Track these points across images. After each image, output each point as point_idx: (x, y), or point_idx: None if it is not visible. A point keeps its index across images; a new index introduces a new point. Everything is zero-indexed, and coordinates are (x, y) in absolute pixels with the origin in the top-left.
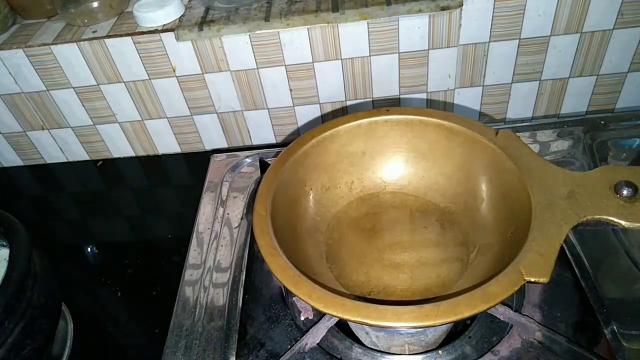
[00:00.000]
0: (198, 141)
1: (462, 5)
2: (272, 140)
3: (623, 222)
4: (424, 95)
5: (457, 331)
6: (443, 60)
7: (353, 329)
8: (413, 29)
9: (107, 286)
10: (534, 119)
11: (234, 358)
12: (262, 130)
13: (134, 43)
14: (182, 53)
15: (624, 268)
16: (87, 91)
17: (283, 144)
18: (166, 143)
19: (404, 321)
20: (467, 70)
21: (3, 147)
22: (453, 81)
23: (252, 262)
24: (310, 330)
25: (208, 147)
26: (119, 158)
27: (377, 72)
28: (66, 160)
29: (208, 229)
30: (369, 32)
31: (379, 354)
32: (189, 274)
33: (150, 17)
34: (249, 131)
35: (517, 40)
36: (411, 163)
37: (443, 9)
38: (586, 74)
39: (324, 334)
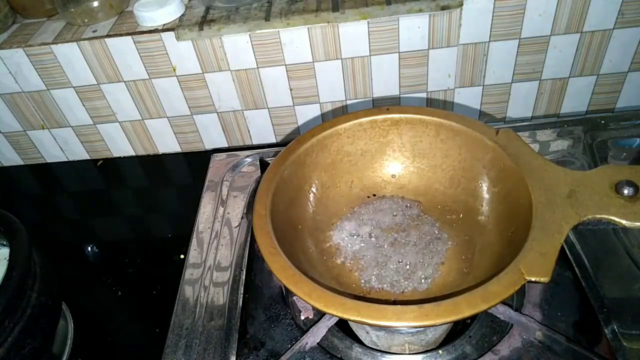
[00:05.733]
0: (198, 141)
1: (462, 4)
2: (272, 140)
3: (624, 222)
4: (424, 95)
5: (457, 330)
6: (443, 59)
7: (353, 329)
8: (413, 28)
9: (108, 285)
10: (534, 119)
11: (234, 357)
12: (262, 129)
13: (135, 42)
14: (182, 52)
15: (624, 267)
16: (88, 90)
17: (283, 144)
18: (166, 142)
19: (404, 320)
20: (467, 69)
21: (3, 146)
22: (453, 81)
23: (252, 261)
24: (311, 329)
25: (208, 147)
26: (119, 157)
27: (377, 72)
28: (66, 160)
29: (208, 228)
30: (369, 31)
31: (379, 354)
32: (189, 273)
33: (151, 16)
34: (249, 131)
35: (517, 40)
36: (411, 162)
37: (443, 8)
38: (586, 73)
39: (324, 333)
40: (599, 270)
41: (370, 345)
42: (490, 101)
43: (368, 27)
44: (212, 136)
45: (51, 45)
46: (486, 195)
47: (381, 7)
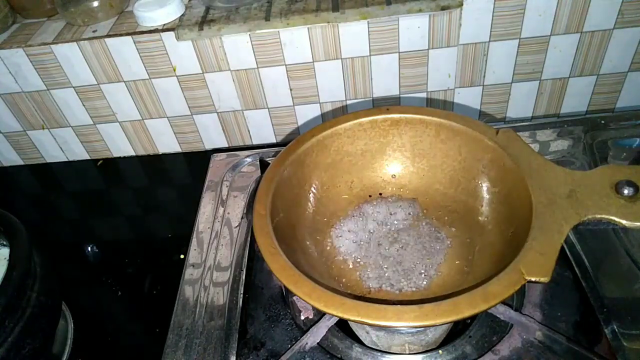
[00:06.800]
0: (198, 141)
1: (462, 4)
2: (272, 140)
3: (624, 222)
4: (424, 95)
5: (457, 330)
6: (443, 59)
7: (353, 329)
8: (413, 28)
9: (108, 285)
10: (534, 119)
11: (234, 357)
12: (262, 129)
13: (134, 42)
14: (182, 52)
15: (624, 267)
16: (88, 90)
17: (283, 144)
18: (166, 142)
19: (404, 320)
20: (467, 69)
21: (3, 146)
22: (453, 81)
23: (252, 261)
24: (311, 329)
25: (208, 147)
26: (119, 157)
27: (377, 72)
28: (66, 160)
29: (208, 228)
30: (369, 31)
31: (379, 354)
32: (189, 273)
33: (151, 16)
34: (249, 131)
35: (517, 40)
36: (411, 162)
37: (443, 8)
38: (586, 73)
39: (324, 333)
40: (599, 270)
41: (370, 345)
42: (490, 101)
43: (368, 27)
44: (212, 136)
45: (51, 45)
46: (486, 195)
47: (381, 7)
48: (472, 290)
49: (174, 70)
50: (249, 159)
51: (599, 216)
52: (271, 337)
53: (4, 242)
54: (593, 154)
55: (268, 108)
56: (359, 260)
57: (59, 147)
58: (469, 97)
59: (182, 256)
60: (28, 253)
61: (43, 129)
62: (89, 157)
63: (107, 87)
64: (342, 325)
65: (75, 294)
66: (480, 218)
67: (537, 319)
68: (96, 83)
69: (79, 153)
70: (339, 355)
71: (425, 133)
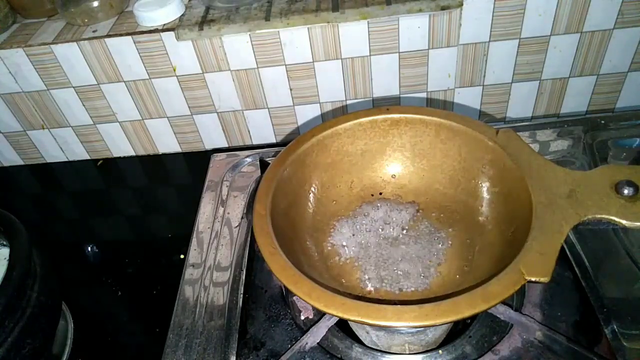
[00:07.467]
0: (198, 141)
1: (462, 4)
2: (272, 140)
3: (624, 222)
4: (424, 95)
5: (457, 330)
6: (443, 59)
7: (353, 329)
8: (413, 28)
9: (108, 285)
10: (534, 119)
11: (234, 357)
12: (262, 129)
13: (134, 42)
14: (182, 52)
15: (624, 268)
16: (88, 90)
17: (283, 144)
18: (166, 142)
19: (404, 320)
20: (467, 69)
21: (3, 146)
22: (453, 81)
23: (252, 261)
24: (311, 329)
25: (208, 147)
26: (119, 157)
27: (377, 72)
28: (66, 160)
29: (208, 228)
30: (369, 31)
31: (379, 354)
32: (189, 273)
33: (151, 16)
34: (249, 131)
35: (517, 40)
36: (411, 162)
37: (443, 8)
38: (586, 73)
39: (324, 333)
40: (599, 270)
41: (370, 345)
42: (490, 101)
43: (368, 27)
44: (212, 136)
45: (51, 45)
46: (486, 196)
47: (381, 7)
48: (472, 290)
49: (174, 70)
50: (249, 159)
51: (599, 216)
52: (271, 337)
53: (4, 242)
54: (593, 154)
55: (268, 108)
56: (359, 260)
57: (59, 147)
58: (469, 97)
59: (182, 256)
60: (28, 253)
61: (43, 129)
62: (89, 157)
63: (107, 87)
64: (342, 325)
65: (75, 294)
66: (480, 218)
67: (537, 319)
68: (96, 83)
69: (79, 153)
70: (339, 355)
71: (425, 133)
